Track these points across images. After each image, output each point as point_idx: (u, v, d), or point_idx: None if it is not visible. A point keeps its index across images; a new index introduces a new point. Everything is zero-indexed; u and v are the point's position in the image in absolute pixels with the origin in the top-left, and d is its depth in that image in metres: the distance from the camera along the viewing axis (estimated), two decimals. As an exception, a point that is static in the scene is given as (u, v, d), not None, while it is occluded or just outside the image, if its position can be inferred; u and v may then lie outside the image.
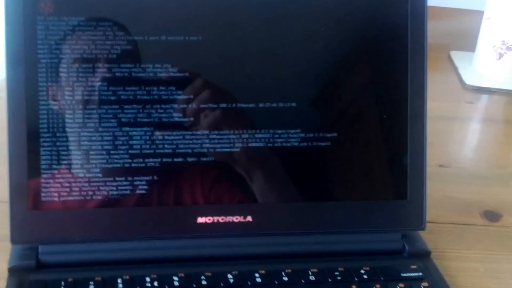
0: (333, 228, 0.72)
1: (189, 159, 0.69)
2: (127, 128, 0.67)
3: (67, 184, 0.67)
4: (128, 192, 0.68)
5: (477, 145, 1.09)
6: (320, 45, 0.71)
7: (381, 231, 0.73)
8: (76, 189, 0.67)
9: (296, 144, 0.71)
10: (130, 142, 0.67)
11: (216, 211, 0.70)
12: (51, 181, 0.66)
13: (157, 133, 0.67)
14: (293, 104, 0.70)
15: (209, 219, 0.69)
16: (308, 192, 0.72)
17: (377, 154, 0.72)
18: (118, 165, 0.67)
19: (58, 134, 0.66)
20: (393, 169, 0.73)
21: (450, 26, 1.55)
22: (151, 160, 0.68)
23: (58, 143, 0.66)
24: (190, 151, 0.69)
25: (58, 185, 0.66)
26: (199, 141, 0.68)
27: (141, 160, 0.68)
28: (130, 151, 0.67)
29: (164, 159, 0.68)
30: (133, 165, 0.68)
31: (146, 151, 0.68)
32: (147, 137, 0.67)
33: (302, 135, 0.71)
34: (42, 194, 0.66)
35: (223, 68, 0.70)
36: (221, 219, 0.70)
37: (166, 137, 0.68)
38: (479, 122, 1.18)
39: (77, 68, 0.66)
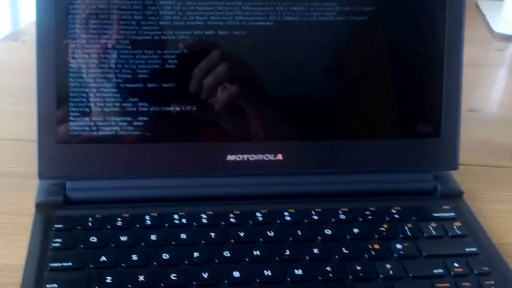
0: (364, 167, 0.70)
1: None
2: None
3: (95, 118, 0.65)
4: (159, 125, 0.67)
5: (507, 91, 1.07)
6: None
7: (413, 171, 0.72)
8: (105, 123, 0.65)
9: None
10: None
11: (246, 148, 0.69)
12: (79, 114, 0.65)
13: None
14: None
15: (238, 157, 0.68)
16: (340, 130, 0.71)
17: (411, 90, 0.70)
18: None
19: (86, 67, 0.64)
20: (427, 106, 0.71)
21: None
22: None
23: (86, 77, 0.64)
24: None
25: (87, 119, 0.65)
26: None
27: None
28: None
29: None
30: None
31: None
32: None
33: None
34: (70, 128, 0.65)
35: None
36: (251, 157, 0.68)
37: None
38: (508, 69, 1.15)
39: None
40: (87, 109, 0.65)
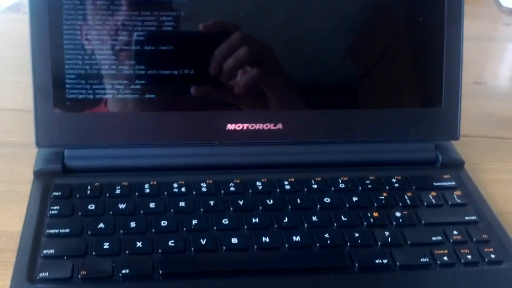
0: (365, 137, 0.70)
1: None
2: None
3: (92, 86, 0.65)
4: (158, 94, 0.66)
5: (513, 64, 1.06)
6: None
7: (414, 141, 0.71)
8: (103, 90, 0.65)
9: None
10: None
11: (246, 117, 0.68)
12: (75, 81, 0.65)
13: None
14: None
15: (238, 126, 0.68)
16: (341, 100, 0.70)
17: (412, 60, 0.70)
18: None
19: (82, 31, 0.64)
20: (428, 76, 0.70)
21: None
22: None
23: (82, 40, 0.64)
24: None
25: (83, 85, 0.64)
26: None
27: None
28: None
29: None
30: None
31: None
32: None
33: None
34: (67, 96, 0.65)
35: None
36: (251, 126, 0.68)
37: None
38: (515, 43, 1.15)
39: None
40: (83, 75, 0.64)
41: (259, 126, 0.68)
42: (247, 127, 0.68)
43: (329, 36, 0.69)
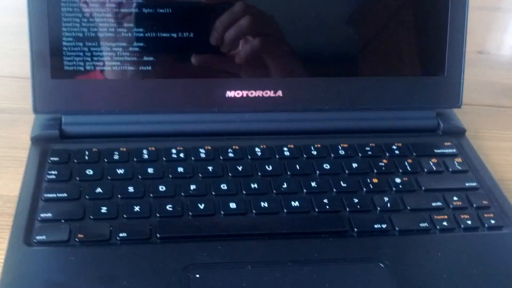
0: (366, 104, 0.70)
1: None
2: None
3: (91, 51, 0.64)
4: (157, 60, 0.66)
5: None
6: None
7: (416, 109, 0.71)
8: (100, 56, 0.64)
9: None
10: None
11: (246, 84, 0.68)
12: (74, 46, 0.64)
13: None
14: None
15: (238, 93, 0.67)
16: (342, 68, 0.70)
17: (415, 27, 0.69)
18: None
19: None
20: (432, 44, 0.70)
21: None
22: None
23: (80, 3, 0.63)
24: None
25: (82, 50, 0.64)
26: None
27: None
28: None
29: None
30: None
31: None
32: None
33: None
34: (65, 61, 0.64)
35: None
36: (250, 93, 0.67)
37: None
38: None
39: None
40: (81, 39, 0.64)
41: (258, 93, 0.67)
42: (247, 94, 0.67)
43: (331, 4, 0.68)
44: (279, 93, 0.67)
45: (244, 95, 0.67)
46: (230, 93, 0.67)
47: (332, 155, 0.66)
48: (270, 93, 0.67)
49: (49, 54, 0.63)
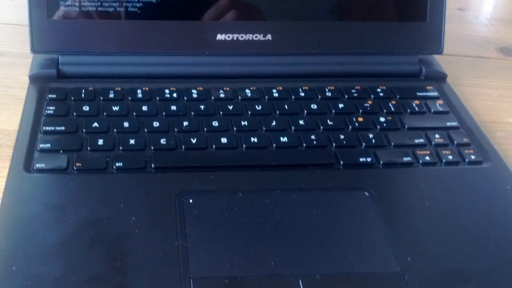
0: (351, 49, 0.72)
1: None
2: None
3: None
4: (150, 2, 0.67)
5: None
6: None
7: (399, 54, 0.73)
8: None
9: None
10: None
11: (236, 28, 0.70)
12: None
13: None
14: None
15: (228, 36, 0.69)
16: (329, 12, 0.72)
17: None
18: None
19: None
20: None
21: None
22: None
23: None
24: None
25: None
26: None
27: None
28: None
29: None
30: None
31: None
32: None
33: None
34: (61, 1, 0.66)
35: None
36: (240, 36, 0.70)
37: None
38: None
39: None
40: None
41: (248, 36, 0.70)
42: (237, 37, 0.69)
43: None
44: (268, 36, 0.70)
45: (234, 38, 0.69)
46: (220, 36, 0.69)
47: (319, 96, 0.68)
48: (259, 37, 0.70)
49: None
